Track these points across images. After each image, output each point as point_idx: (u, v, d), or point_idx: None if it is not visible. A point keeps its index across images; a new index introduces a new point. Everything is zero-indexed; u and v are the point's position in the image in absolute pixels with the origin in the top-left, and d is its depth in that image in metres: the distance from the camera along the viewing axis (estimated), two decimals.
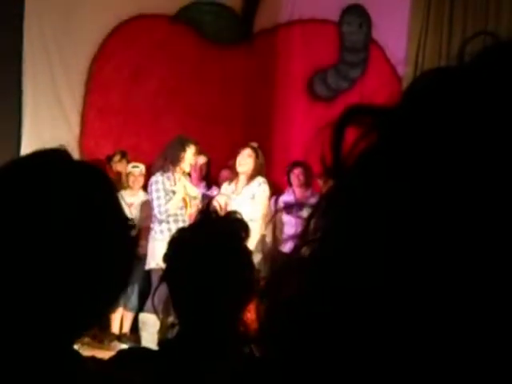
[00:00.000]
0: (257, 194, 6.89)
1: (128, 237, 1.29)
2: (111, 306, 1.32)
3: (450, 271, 0.46)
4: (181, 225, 6.49)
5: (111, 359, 1.88)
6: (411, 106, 0.50)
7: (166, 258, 1.92)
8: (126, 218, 1.30)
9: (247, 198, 6.87)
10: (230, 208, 6.35)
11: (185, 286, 1.84)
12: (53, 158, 1.26)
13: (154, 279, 6.52)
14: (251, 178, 6.95)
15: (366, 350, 0.47)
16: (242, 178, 7.00)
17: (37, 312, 1.19)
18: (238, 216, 1.97)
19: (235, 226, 1.91)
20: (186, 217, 6.76)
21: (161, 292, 7.28)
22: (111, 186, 1.31)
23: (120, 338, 7.41)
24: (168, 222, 6.77)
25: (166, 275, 1.91)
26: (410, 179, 0.47)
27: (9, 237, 1.17)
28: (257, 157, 7.00)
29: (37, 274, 1.17)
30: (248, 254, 1.91)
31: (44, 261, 1.18)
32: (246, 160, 6.96)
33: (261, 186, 6.93)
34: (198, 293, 1.81)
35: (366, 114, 0.52)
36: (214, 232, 1.86)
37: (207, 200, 6.26)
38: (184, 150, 6.78)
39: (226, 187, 7.18)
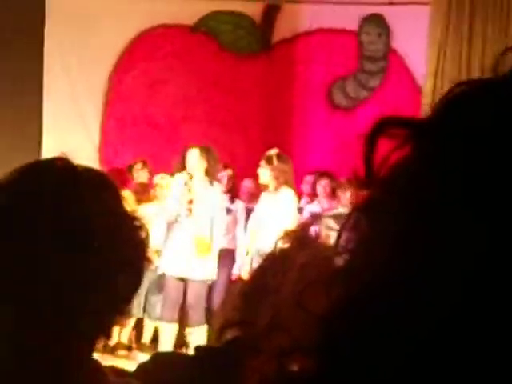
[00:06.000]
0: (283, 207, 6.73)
1: (136, 238, 1.26)
2: (124, 310, 1.28)
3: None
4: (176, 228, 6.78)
5: (142, 365, 1.84)
6: (452, 117, 0.49)
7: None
8: (133, 219, 1.28)
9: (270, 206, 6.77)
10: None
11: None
12: (53, 164, 1.26)
13: (168, 286, 6.81)
14: (276, 188, 6.80)
15: (415, 363, 0.46)
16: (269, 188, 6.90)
17: (49, 317, 1.18)
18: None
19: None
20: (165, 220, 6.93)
21: (173, 300, 7.12)
22: (115, 188, 1.30)
23: (130, 347, 7.43)
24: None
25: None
26: (456, 189, 0.47)
27: (15, 243, 1.17)
28: (272, 165, 6.77)
29: (48, 279, 1.17)
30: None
31: (49, 264, 1.17)
32: (260, 171, 6.88)
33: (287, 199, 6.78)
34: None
35: (399, 125, 0.51)
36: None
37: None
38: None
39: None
